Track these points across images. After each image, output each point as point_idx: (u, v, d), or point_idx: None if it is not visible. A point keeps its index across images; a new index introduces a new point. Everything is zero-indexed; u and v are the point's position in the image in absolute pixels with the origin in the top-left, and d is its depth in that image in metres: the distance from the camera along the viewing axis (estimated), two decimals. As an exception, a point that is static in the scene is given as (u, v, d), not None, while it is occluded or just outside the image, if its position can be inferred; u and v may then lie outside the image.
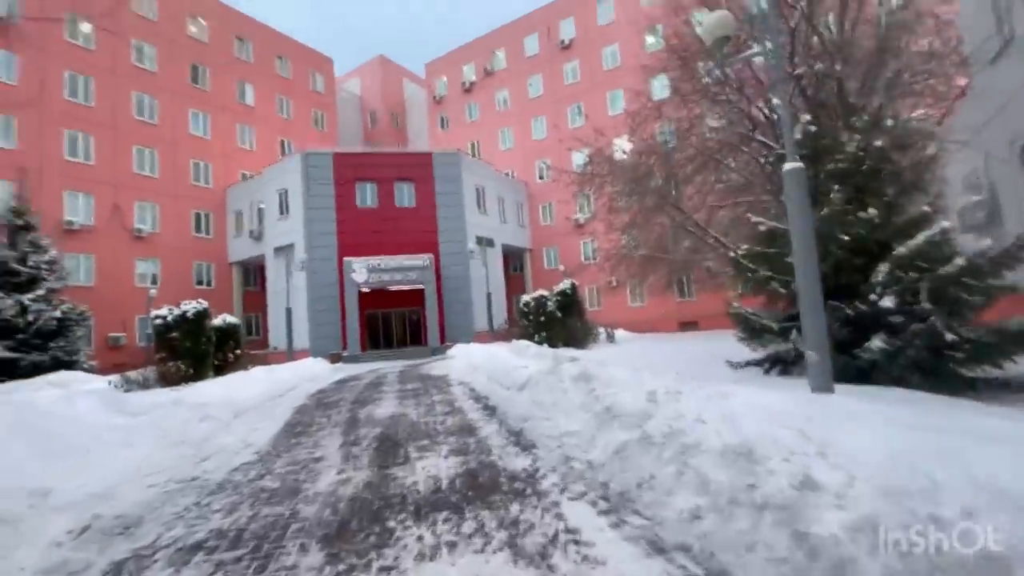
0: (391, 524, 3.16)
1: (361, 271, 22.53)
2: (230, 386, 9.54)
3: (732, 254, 8.16)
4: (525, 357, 9.92)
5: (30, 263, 18.85)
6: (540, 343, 13.42)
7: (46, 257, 19.38)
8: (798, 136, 6.41)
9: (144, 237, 24.68)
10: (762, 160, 10.95)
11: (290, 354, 19.04)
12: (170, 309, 13.35)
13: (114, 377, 12.25)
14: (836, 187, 6.04)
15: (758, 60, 10.42)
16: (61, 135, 22.40)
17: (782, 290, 6.82)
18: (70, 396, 7.06)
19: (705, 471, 3.03)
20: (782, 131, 9.53)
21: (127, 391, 12.16)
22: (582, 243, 30.22)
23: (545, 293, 15.32)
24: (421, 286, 23.23)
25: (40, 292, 18.65)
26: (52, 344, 18.53)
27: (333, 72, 37.26)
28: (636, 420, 4.22)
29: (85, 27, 23.40)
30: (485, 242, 24.96)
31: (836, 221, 6.06)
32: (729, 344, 11.01)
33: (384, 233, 24.08)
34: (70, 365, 18.66)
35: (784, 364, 7.19)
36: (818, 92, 8.61)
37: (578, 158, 30.26)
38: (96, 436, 5.61)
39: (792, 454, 2.90)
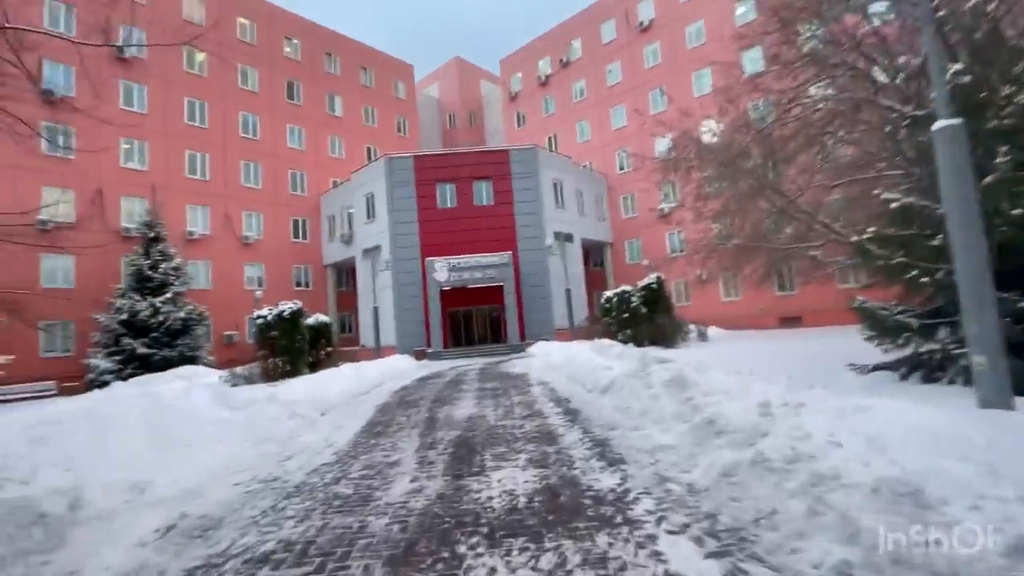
0: (461, 549, 2.82)
1: (442, 270, 22.96)
2: (320, 383, 9.92)
3: (854, 239, 6.98)
4: (608, 357, 9.32)
5: (160, 270, 21.31)
6: (624, 342, 12.68)
7: (173, 264, 21.83)
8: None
9: (251, 244, 27.07)
10: (888, 128, 9.38)
11: (377, 351, 19.83)
12: (270, 309, 14.34)
13: (224, 372, 13.39)
14: (1003, 149, 4.82)
15: (877, 7, 8.97)
16: (183, 155, 25.17)
17: (924, 279, 5.65)
18: (188, 390, 7.64)
19: (851, 513, 2.35)
20: (915, 89, 8.06)
21: (233, 385, 13.21)
22: (667, 234, 28.61)
23: (629, 288, 14.49)
24: (500, 283, 23.21)
25: (168, 296, 21.03)
26: (179, 342, 20.83)
27: (413, 78, 38.55)
28: (746, 437, 3.56)
29: (199, 56, 26.09)
30: (563, 237, 24.40)
31: (1002, 191, 4.85)
32: (846, 343, 9.66)
33: (463, 232, 24.37)
34: (193, 360, 20.90)
35: (927, 369, 5.98)
36: (969, 36, 7.10)
37: (661, 145, 28.74)
38: (200, 430, 5.93)
39: (981, 499, 2.16)
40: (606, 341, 10.71)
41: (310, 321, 14.88)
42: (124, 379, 19.07)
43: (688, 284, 27.31)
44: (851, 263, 10.06)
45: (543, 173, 25.71)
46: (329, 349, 14.66)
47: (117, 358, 19.65)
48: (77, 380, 19.29)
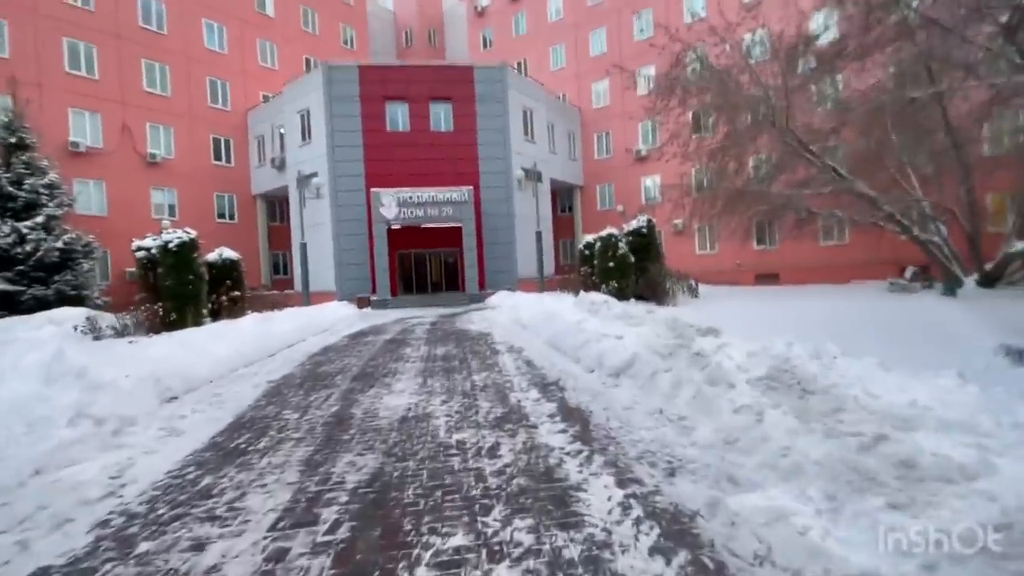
0: None
1: (391, 205, 19.61)
2: (203, 342, 6.94)
3: None
4: (606, 319, 6.81)
5: (26, 186, 16.83)
6: (607, 295, 10.25)
7: (45, 180, 17.33)
8: None
9: (158, 163, 22.42)
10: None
11: (306, 297, 16.67)
12: (154, 238, 10.90)
13: (86, 318, 10.07)
14: None
15: None
16: (60, 43, 19.82)
17: None
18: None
19: None
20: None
21: (96, 338, 9.97)
22: (643, 179, 26.13)
23: (615, 232, 11.98)
24: (458, 224, 20.18)
25: (39, 219, 16.72)
26: (57, 278, 16.77)
27: (363, -20, 32.92)
28: None
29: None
30: (533, 175, 21.40)
31: None
32: (870, 304, 7.71)
33: (417, 162, 20.88)
34: (79, 301, 16.98)
35: None
36: None
37: (642, 85, 25.69)
38: None
39: None
40: (597, 296, 8.23)
41: (211, 257, 11.56)
42: (-25, 322, 15.16)
43: (661, 234, 25.28)
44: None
45: (512, 98, 22.23)
46: (236, 294, 11.48)
47: (-34, 295, 15.54)
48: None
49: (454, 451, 3.27)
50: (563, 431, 3.53)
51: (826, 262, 21.01)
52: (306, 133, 22.00)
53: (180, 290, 10.15)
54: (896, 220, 14.26)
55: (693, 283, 13.06)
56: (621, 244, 11.72)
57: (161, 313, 9.71)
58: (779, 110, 13.71)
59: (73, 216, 18.63)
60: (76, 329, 9.84)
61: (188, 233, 10.72)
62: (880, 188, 14.41)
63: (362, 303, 19.21)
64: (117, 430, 3.75)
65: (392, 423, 3.99)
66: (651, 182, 25.72)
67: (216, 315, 11.18)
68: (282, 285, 26.12)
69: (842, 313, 8.65)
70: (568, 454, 3.09)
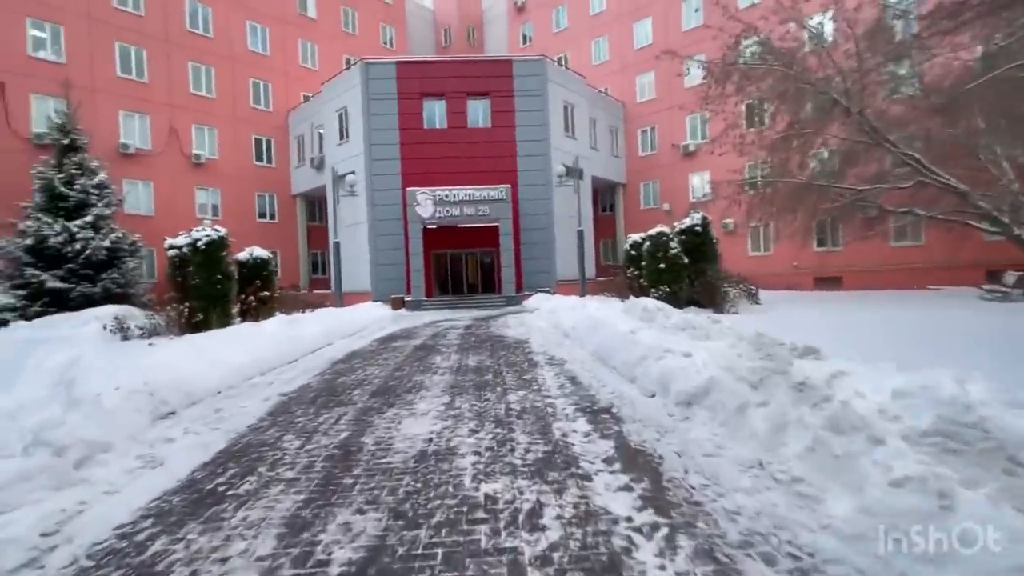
0: None
1: (426, 204, 19.10)
2: (218, 346, 6.44)
3: None
4: (662, 329, 5.85)
5: (77, 186, 17.28)
6: (654, 297, 9.21)
7: (95, 180, 17.75)
8: None
9: (203, 164, 22.81)
10: None
11: (338, 298, 16.32)
12: (186, 236, 10.67)
13: (113, 318, 9.92)
14: None
15: None
16: (112, 47, 20.41)
17: None
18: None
19: None
20: None
21: (125, 338, 9.78)
22: (691, 176, 24.67)
23: (665, 230, 10.90)
24: (495, 223, 19.46)
25: (88, 219, 17.12)
26: (104, 275, 17.12)
27: (403, -20, 32.83)
28: None
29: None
30: (575, 172, 20.41)
31: None
32: (975, 315, 6.41)
33: (454, 160, 20.31)
34: (125, 298, 17.30)
35: None
36: None
37: (692, 78, 24.28)
38: None
39: None
40: (648, 301, 7.25)
41: (241, 256, 11.26)
42: (29, 318, 15.58)
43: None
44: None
45: (552, 92, 21.34)
46: (265, 294, 11.13)
47: (21, 292, 16.00)
48: (-28, 317, 15.68)
49: (482, 514, 2.44)
50: (627, 488, 2.64)
51: (897, 265, 19.07)
52: (344, 132, 21.84)
53: (208, 289, 9.84)
54: (992, 217, 12.50)
55: (753, 288, 11.76)
56: (673, 244, 10.62)
57: (187, 313, 9.43)
58: (853, 94, 12.26)
59: (121, 215, 19.07)
60: (105, 328, 9.70)
61: (217, 231, 10.43)
62: (970, 182, 12.70)
63: (397, 304, 18.78)
64: (82, 460, 3.12)
65: (407, 461, 3.21)
66: (699, 179, 24.24)
67: (245, 315, 10.86)
68: (320, 285, 26.22)
69: (946, 326, 7.32)
70: (639, 530, 2.20)
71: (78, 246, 16.69)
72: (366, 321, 12.62)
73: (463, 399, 4.76)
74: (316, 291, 22.75)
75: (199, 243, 10.02)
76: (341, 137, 21.95)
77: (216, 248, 10.13)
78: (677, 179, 25.05)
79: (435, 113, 20.85)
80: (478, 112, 21.01)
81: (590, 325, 7.29)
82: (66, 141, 17.51)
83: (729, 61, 13.20)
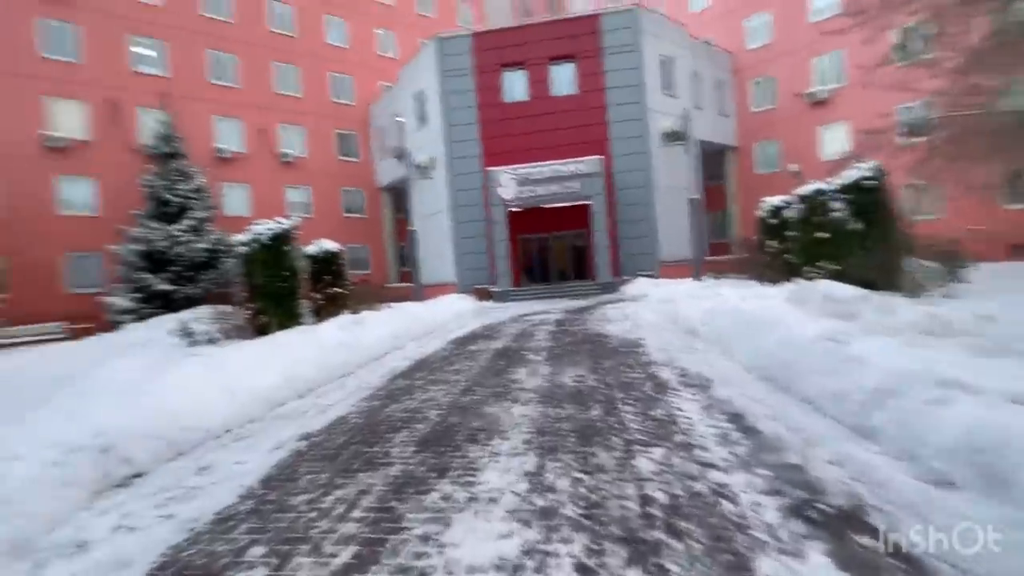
0: None
1: (509, 184, 17.38)
2: (254, 360, 5.18)
3: None
4: (893, 334, 3.45)
5: (178, 192, 17.90)
6: (811, 279, 6.53)
7: (193, 185, 18.33)
8: None
9: (291, 163, 23.09)
10: None
11: (417, 291, 15.18)
12: (262, 229, 9.82)
13: (179, 322, 9.38)
14: None
15: None
16: (203, 55, 21.08)
17: None
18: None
19: None
20: None
21: (191, 344, 9.16)
22: (821, 130, 20.42)
23: (823, 187, 8.07)
24: (587, 200, 17.24)
25: (189, 223, 17.71)
26: (203, 276, 17.64)
27: (478, -47, 31.19)
28: None
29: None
30: (676, 136, 17.47)
31: None
32: None
33: (538, 134, 18.35)
34: (221, 298, 17.72)
35: None
36: None
37: (818, 11, 19.92)
38: None
39: None
40: (837, 288, 4.80)
41: (311, 249, 10.29)
42: (143, 319, 16.37)
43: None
44: None
45: (648, 46, 18.47)
46: (335, 289, 10.08)
47: (135, 295, 16.89)
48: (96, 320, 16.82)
49: None
50: None
51: None
52: (422, 117, 20.77)
53: (272, 288, 8.90)
54: None
55: (963, 262, 8.41)
56: (836, 205, 7.77)
57: (250, 315, 8.58)
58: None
59: (222, 218, 19.62)
60: (170, 332, 9.21)
61: (280, 223, 9.48)
62: None
63: (482, 295, 17.37)
64: None
65: None
66: (831, 134, 19.96)
67: (318, 313, 9.90)
68: (408, 278, 25.81)
69: None
70: None
71: (181, 249, 17.29)
72: (445, 316, 11.20)
73: (558, 466, 2.85)
74: (404, 284, 22.21)
75: (262, 238, 9.12)
76: (420, 122, 20.92)
77: (281, 242, 9.18)
78: (803, 134, 20.88)
79: (515, 84, 18.98)
80: (562, 78, 18.79)
81: (738, 322, 5.02)
82: (167, 149, 18.18)
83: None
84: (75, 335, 15.68)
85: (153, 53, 19.96)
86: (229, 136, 21.58)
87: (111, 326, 16.41)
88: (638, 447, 3.02)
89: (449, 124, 19.13)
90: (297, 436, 3.77)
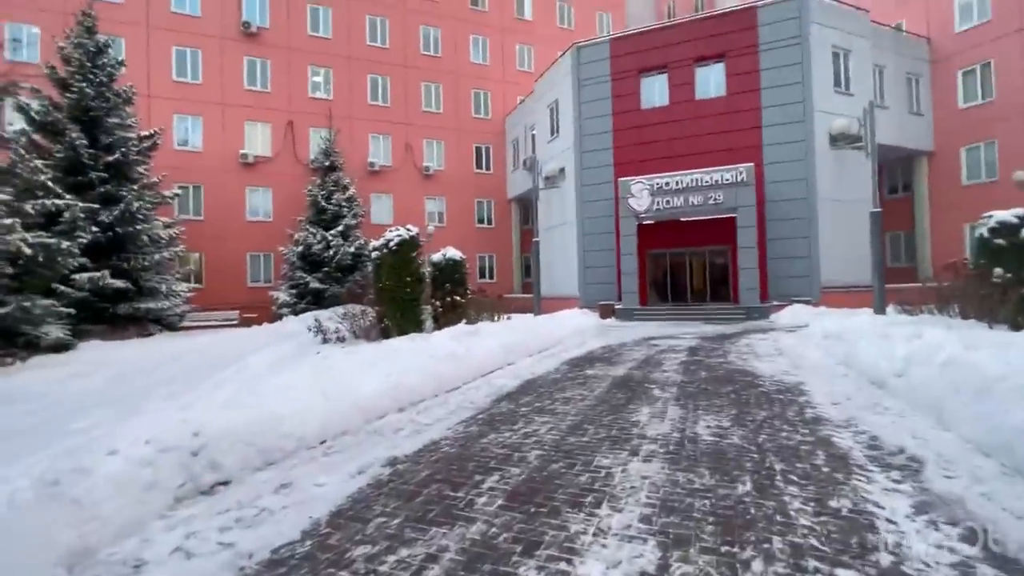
0: None
1: (642, 195, 16.23)
2: (366, 365, 5.10)
3: None
4: None
5: (333, 201, 19.96)
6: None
7: (346, 195, 20.34)
8: None
9: (431, 175, 24.52)
10: None
11: (536, 304, 14.73)
12: (392, 234, 10.23)
13: (315, 321, 10.05)
14: None
15: None
16: (365, 80, 23.42)
17: None
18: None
19: None
20: None
21: (324, 341, 9.74)
22: (1066, 126, 15.76)
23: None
24: (731, 213, 15.35)
25: (340, 228, 19.62)
26: (349, 278, 19.36)
27: (620, -38, 30.42)
28: None
29: (377, -35, 23.54)
30: (849, 139, 14.76)
31: None
32: None
33: (677, 141, 16.96)
34: (361, 299, 19.32)
35: None
36: None
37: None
38: None
39: None
40: None
41: (435, 257, 10.44)
42: (297, 313, 18.43)
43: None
44: None
45: (816, 36, 16.01)
46: (455, 298, 10.04)
47: (294, 291, 19.12)
48: (263, 311, 19.34)
49: None
50: None
51: None
52: (554, 128, 20.58)
53: (397, 292, 9.13)
54: None
55: None
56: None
57: (374, 318, 8.87)
58: None
59: (367, 224, 21.51)
60: (309, 331, 9.92)
61: (409, 230, 9.74)
62: None
63: (605, 312, 16.41)
64: None
65: None
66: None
67: (435, 320, 9.98)
68: (531, 288, 25.76)
69: None
70: None
71: (331, 252, 19.22)
72: (563, 332, 10.56)
73: (689, 574, 2.01)
74: (527, 295, 22.15)
75: (391, 244, 9.43)
76: (552, 133, 20.75)
77: (407, 249, 9.42)
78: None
79: (654, 89, 17.81)
80: (709, 80, 17.15)
81: (962, 379, 3.58)
82: (327, 163, 20.49)
83: None
84: (246, 323, 18.17)
85: (321, 79, 22.67)
86: (379, 151, 23.63)
87: (274, 317, 18.79)
88: (814, 560, 2.04)
89: (581, 134, 18.60)
90: (383, 460, 3.41)
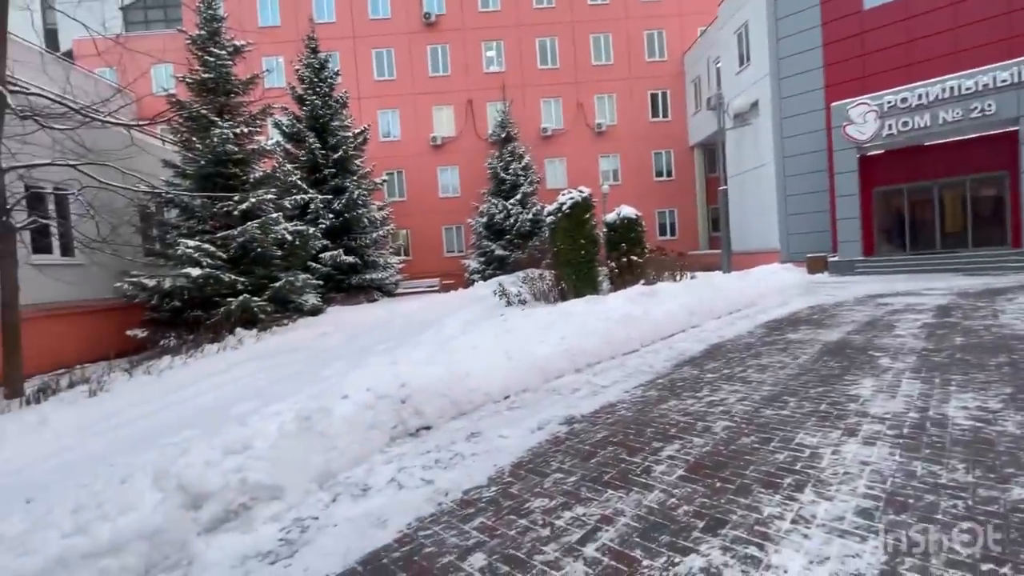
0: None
1: (865, 119, 13.14)
2: (531, 330, 5.32)
3: None
4: None
5: (511, 171, 20.91)
6: None
7: (522, 164, 21.11)
8: None
9: (603, 132, 23.75)
10: None
11: (726, 260, 13.22)
12: (566, 197, 10.35)
13: (499, 283, 10.69)
14: None
15: None
16: (534, 46, 23.55)
17: None
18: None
19: None
20: None
21: (507, 304, 10.34)
22: None
23: None
24: (1010, 127, 11.45)
25: (518, 197, 20.54)
26: (529, 243, 20.29)
27: None
28: None
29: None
30: None
31: None
32: None
33: (920, 42, 13.17)
34: (536, 263, 20.11)
35: None
36: None
37: None
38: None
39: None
40: None
41: (609, 217, 10.16)
42: (485, 279, 20.10)
43: None
44: None
45: None
46: (632, 258, 9.62)
47: (482, 259, 20.83)
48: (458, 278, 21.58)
49: None
50: None
51: None
52: (744, 56, 17.90)
53: (571, 255, 9.20)
54: None
55: None
56: None
57: (551, 281, 9.09)
58: None
59: (543, 190, 22.08)
60: (494, 294, 10.66)
61: (581, 192, 9.64)
62: None
63: (815, 266, 14.07)
64: (216, 522, 2.19)
65: None
66: None
67: (612, 282, 9.80)
68: (720, 244, 23.43)
69: None
70: None
71: (512, 220, 20.30)
72: (759, 290, 9.37)
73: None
74: (715, 251, 20.26)
75: (564, 207, 9.48)
76: (741, 63, 18.12)
77: (580, 211, 9.36)
78: None
79: (883, -20, 13.99)
80: (972, -53, 12.73)
81: None
82: (503, 135, 21.44)
83: None
84: (444, 289, 20.56)
85: (494, 53, 23.51)
86: (551, 115, 23.76)
87: (467, 283, 20.85)
88: None
89: (778, 57, 15.79)
90: (561, 418, 3.51)
